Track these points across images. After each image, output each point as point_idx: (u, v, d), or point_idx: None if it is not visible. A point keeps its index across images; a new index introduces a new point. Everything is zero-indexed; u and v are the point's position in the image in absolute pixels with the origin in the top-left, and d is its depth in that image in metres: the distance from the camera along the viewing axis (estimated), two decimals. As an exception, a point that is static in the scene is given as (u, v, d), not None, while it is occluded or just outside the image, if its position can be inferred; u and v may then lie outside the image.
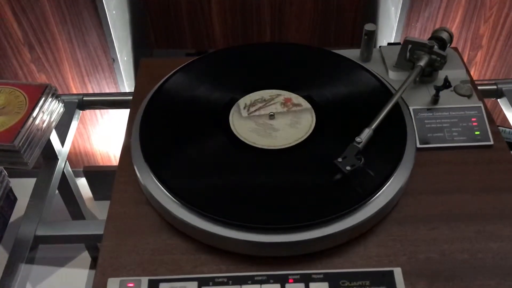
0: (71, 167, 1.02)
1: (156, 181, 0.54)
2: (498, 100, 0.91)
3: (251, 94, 0.64)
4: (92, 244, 0.87)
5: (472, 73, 1.48)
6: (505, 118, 0.90)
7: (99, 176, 1.63)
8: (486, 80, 1.39)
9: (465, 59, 1.47)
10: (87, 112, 1.56)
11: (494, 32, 1.41)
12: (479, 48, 1.45)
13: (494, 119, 1.25)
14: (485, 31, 1.41)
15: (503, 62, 1.48)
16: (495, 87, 0.90)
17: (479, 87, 0.91)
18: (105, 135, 1.58)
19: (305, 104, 0.63)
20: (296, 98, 0.64)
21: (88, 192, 1.65)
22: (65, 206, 0.96)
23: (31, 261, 0.69)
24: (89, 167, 1.65)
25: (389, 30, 1.37)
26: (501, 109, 0.90)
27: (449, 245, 0.52)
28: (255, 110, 0.61)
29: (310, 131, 0.59)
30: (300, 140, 0.59)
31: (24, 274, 0.66)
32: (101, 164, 1.70)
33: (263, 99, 0.63)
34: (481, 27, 1.40)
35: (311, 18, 1.52)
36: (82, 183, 1.64)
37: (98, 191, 1.65)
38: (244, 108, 0.62)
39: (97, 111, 1.56)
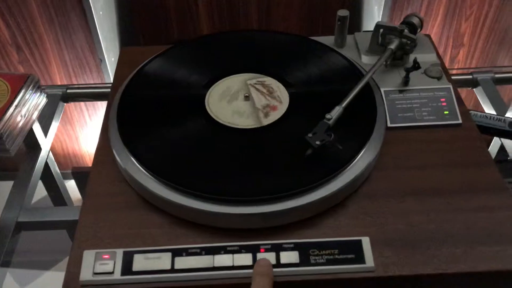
0: (60, 169, 1.03)
1: (131, 157, 0.55)
2: (474, 89, 0.94)
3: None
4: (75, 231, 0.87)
5: (455, 71, 1.50)
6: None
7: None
8: (461, 68, 1.42)
9: (448, 57, 1.50)
10: (75, 113, 1.57)
11: (475, 30, 1.44)
12: (461, 46, 1.48)
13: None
14: (467, 29, 1.44)
15: (484, 59, 1.51)
16: (470, 76, 0.92)
17: (455, 77, 0.93)
18: (93, 136, 1.59)
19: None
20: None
21: (77, 194, 1.65)
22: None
23: (11, 251, 0.70)
24: (78, 168, 1.65)
25: (373, 28, 1.39)
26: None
27: (417, 216, 0.53)
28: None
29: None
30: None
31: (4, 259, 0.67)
32: (90, 165, 1.70)
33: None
34: (463, 25, 1.43)
35: (298, 15, 1.54)
36: (71, 185, 1.64)
37: (87, 192, 1.65)
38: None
39: (86, 112, 1.57)
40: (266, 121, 0.60)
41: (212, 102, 0.63)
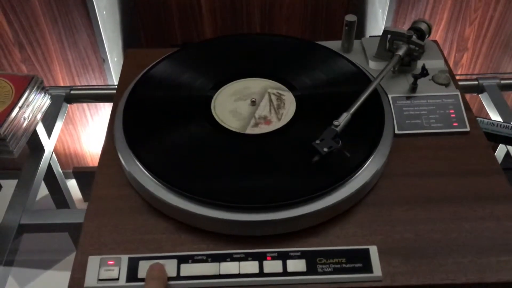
0: (61, 169, 1.03)
1: (137, 162, 0.55)
2: (480, 95, 0.93)
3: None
4: (77, 234, 0.87)
5: (458, 77, 1.50)
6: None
7: (89, 177, 1.62)
8: (467, 74, 1.41)
9: (452, 61, 1.49)
10: (77, 113, 1.57)
11: (479, 34, 1.43)
12: (465, 50, 1.47)
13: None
14: (470, 34, 1.43)
15: (488, 64, 1.51)
16: (476, 82, 0.92)
17: (461, 83, 0.93)
18: (95, 136, 1.59)
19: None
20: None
21: (78, 194, 1.65)
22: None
23: (14, 251, 0.69)
24: (79, 168, 1.65)
25: (377, 32, 1.38)
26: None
27: (424, 225, 0.53)
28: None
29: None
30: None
31: (7, 259, 0.67)
32: (91, 165, 1.70)
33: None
34: (467, 30, 1.42)
35: (301, 20, 1.54)
36: (72, 185, 1.63)
37: (88, 193, 1.64)
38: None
39: (88, 112, 1.56)
40: (250, 131, 0.59)
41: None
